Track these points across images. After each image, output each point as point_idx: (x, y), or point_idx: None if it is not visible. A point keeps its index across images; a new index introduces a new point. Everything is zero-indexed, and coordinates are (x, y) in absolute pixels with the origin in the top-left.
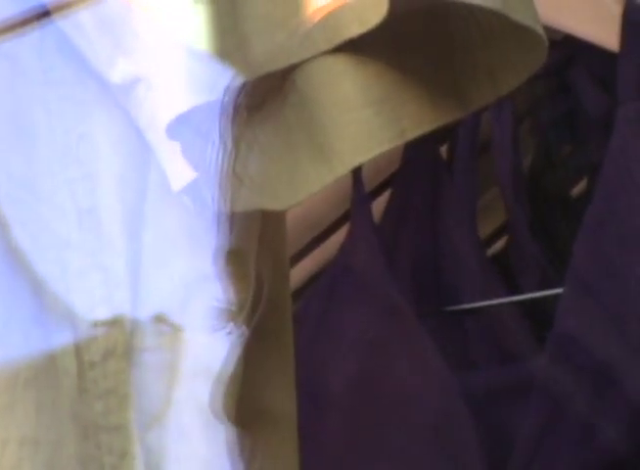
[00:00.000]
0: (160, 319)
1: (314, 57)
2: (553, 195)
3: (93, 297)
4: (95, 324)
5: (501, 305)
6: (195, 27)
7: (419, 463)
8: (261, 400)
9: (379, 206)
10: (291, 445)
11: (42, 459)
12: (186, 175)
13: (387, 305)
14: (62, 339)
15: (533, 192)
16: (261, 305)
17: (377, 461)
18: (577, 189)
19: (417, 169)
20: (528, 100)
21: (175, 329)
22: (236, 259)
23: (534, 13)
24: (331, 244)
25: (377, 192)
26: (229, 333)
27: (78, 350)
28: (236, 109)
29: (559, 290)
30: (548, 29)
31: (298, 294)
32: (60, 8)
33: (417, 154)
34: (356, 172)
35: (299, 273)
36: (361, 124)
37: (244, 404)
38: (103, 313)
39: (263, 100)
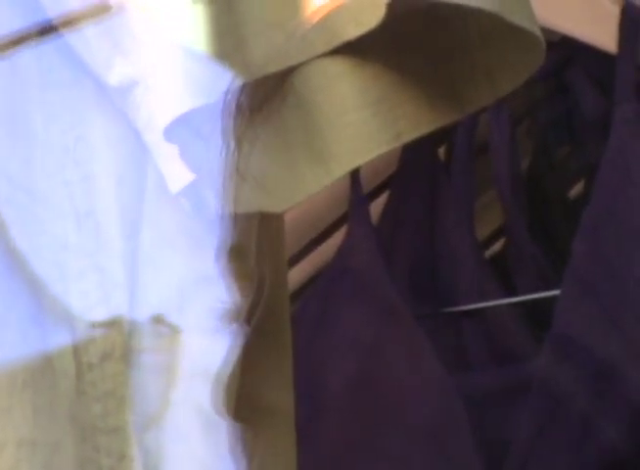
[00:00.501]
0: (157, 321)
1: (312, 59)
2: (551, 196)
3: (91, 298)
4: (93, 326)
5: (499, 306)
6: (193, 29)
7: (416, 464)
8: (260, 398)
9: (377, 207)
10: (289, 441)
11: (40, 461)
12: (184, 177)
13: (384, 306)
14: (60, 340)
15: (531, 193)
16: (261, 305)
17: (375, 462)
18: (575, 190)
19: (415, 171)
20: (526, 101)
21: (173, 330)
22: (238, 257)
23: (532, 14)
24: (329, 246)
25: (375, 193)
26: (232, 332)
27: (76, 351)
28: (238, 108)
29: (557, 291)
30: (545, 31)
31: (297, 295)
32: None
33: (415, 155)
34: (354, 174)
35: (298, 275)
36: (358, 126)
37: (242, 401)
38: (101, 315)
39: (264, 100)
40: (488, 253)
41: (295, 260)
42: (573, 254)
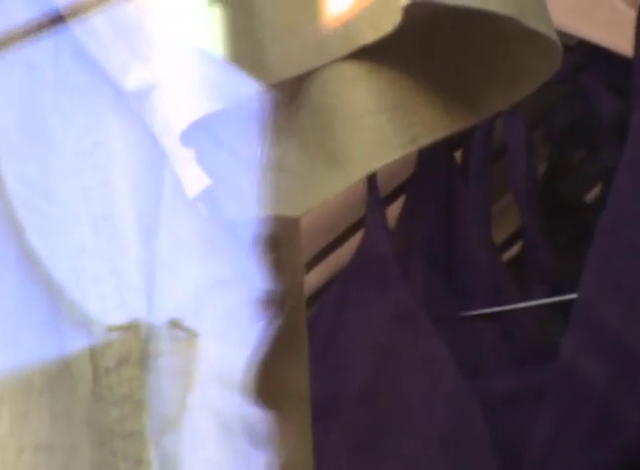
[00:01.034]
0: (174, 325)
1: (328, 64)
2: (567, 200)
3: (108, 302)
4: (110, 330)
5: (515, 310)
6: (209, 32)
7: (431, 466)
8: (286, 383)
9: (393, 211)
10: (308, 430)
11: (57, 466)
12: (201, 182)
13: (400, 309)
14: (77, 345)
15: (548, 198)
16: (289, 300)
17: (389, 463)
18: (592, 195)
19: (431, 175)
20: (543, 105)
21: (190, 335)
22: (274, 246)
23: (548, 19)
24: (345, 249)
25: (391, 197)
26: (268, 323)
27: (93, 355)
28: (263, 113)
29: (573, 295)
30: (562, 35)
31: (313, 299)
32: (74, 12)
33: (431, 159)
34: (371, 178)
35: (314, 278)
36: (374, 131)
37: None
38: (118, 319)
39: (281, 105)
40: (505, 256)
41: (311, 264)
42: (589, 258)
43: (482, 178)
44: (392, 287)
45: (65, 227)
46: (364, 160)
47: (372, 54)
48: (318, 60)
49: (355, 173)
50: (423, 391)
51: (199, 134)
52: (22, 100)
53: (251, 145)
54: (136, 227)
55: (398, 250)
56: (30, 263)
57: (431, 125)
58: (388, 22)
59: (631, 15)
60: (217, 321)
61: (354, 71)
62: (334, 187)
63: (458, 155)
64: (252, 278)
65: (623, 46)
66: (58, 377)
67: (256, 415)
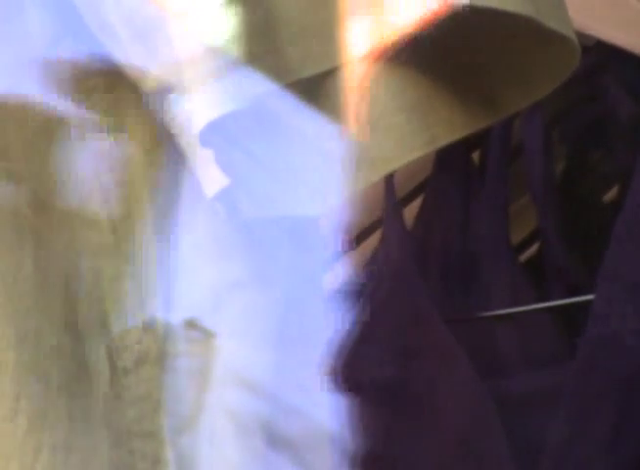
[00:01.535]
0: (191, 325)
1: (347, 63)
2: (585, 201)
3: (125, 303)
4: (128, 331)
5: (533, 311)
6: (226, 32)
7: (449, 469)
8: None
9: (411, 211)
10: None
11: (75, 466)
12: (219, 182)
13: (417, 311)
14: (94, 345)
15: (565, 198)
16: None
17: (407, 467)
18: (610, 195)
19: (449, 175)
20: (560, 106)
21: (207, 335)
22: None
23: (567, 19)
24: (363, 250)
25: (409, 198)
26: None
27: (111, 356)
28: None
29: (591, 296)
30: (580, 35)
31: None
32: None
33: (449, 160)
34: (388, 178)
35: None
36: (393, 131)
37: None
38: (135, 320)
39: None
40: (523, 257)
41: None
42: (606, 259)
43: (500, 179)
44: (409, 289)
45: (82, 228)
46: (383, 160)
47: (390, 53)
48: (337, 59)
49: (374, 174)
50: (440, 393)
51: (217, 134)
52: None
53: (267, 145)
54: (154, 227)
55: (415, 251)
56: (48, 263)
57: (449, 126)
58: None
59: None
60: (234, 322)
61: (373, 71)
62: (353, 188)
63: (476, 155)
64: (270, 279)
65: None
66: (75, 377)
67: (274, 416)
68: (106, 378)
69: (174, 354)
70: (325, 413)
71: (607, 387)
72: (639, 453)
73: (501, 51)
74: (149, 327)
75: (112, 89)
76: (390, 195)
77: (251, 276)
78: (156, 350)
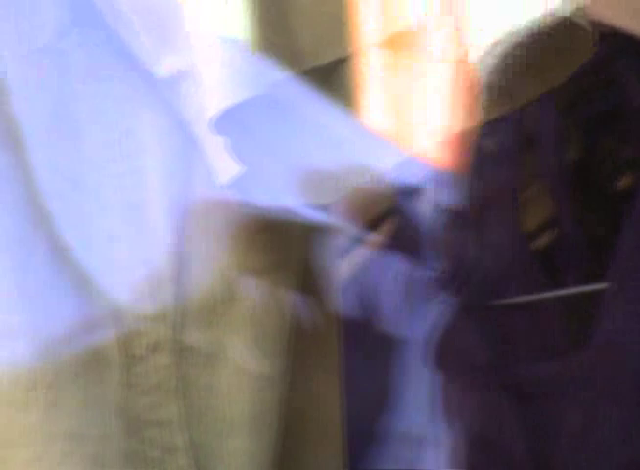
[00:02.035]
0: (203, 313)
1: (362, 50)
2: (598, 189)
3: (138, 291)
4: (140, 318)
5: (545, 299)
6: (240, 20)
7: (463, 457)
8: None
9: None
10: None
11: (89, 454)
12: (232, 170)
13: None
14: (107, 333)
15: (578, 186)
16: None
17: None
18: (623, 183)
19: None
20: (574, 93)
21: (220, 322)
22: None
23: (581, 7)
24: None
25: None
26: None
27: (124, 344)
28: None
29: (603, 285)
30: (594, 23)
31: None
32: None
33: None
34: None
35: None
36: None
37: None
38: (148, 308)
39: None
40: (535, 245)
41: None
42: (619, 248)
43: (513, 166)
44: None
45: (95, 216)
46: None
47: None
48: (350, 47)
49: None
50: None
51: (230, 122)
52: (53, 89)
53: (280, 133)
54: (166, 215)
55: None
56: (60, 253)
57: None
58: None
59: None
60: (247, 309)
61: (387, 58)
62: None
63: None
64: (284, 267)
65: None
66: (88, 366)
67: (289, 405)
68: (118, 366)
69: (187, 342)
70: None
71: (622, 374)
72: None
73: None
74: (161, 315)
75: None
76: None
77: (265, 264)
78: (168, 338)
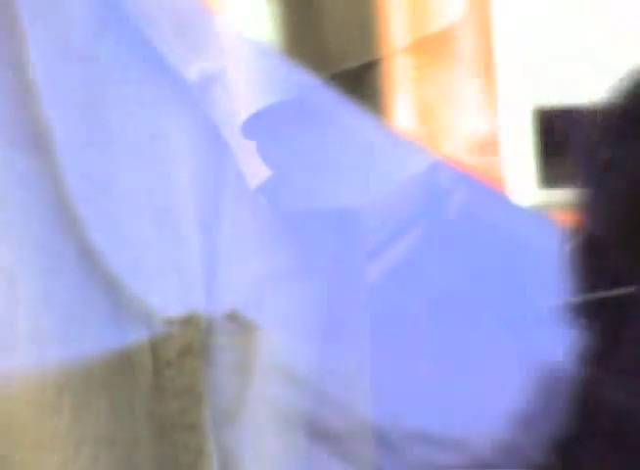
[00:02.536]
0: (234, 317)
1: (390, 54)
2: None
3: (168, 295)
4: (171, 322)
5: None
6: (269, 25)
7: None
8: None
9: None
10: None
11: (118, 458)
12: (262, 173)
13: None
14: (137, 337)
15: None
16: None
17: None
18: None
19: None
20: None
21: (250, 327)
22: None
23: None
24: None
25: None
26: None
27: (154, 348)
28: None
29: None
30: None
31: None
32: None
33: None
34: None
35: None
36: None
37: None
38: (178, 311)
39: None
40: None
41: None
42: None
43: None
44: None
45: (125, 220)
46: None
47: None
48: (378, 51)
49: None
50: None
51: (259, 126)
52: (83, 92)
53: (308, 137)
54: (197, 219)
55: None
56: (91, 258)
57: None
58: (450, 14)
59: None
60: (278, 314)
61: (416, 62)
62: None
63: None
64: (314, 270)
65: None
66: (118, 370)
67: (318, 408)
68: (149, 370)
69: (217, 346)
70: (368, 406)
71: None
72: None
73: None
74: (191, 319)
75: None
76: None
77: (295, 268)
78: (198, 342)
